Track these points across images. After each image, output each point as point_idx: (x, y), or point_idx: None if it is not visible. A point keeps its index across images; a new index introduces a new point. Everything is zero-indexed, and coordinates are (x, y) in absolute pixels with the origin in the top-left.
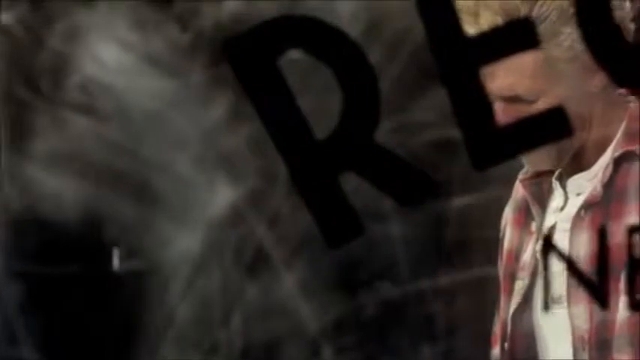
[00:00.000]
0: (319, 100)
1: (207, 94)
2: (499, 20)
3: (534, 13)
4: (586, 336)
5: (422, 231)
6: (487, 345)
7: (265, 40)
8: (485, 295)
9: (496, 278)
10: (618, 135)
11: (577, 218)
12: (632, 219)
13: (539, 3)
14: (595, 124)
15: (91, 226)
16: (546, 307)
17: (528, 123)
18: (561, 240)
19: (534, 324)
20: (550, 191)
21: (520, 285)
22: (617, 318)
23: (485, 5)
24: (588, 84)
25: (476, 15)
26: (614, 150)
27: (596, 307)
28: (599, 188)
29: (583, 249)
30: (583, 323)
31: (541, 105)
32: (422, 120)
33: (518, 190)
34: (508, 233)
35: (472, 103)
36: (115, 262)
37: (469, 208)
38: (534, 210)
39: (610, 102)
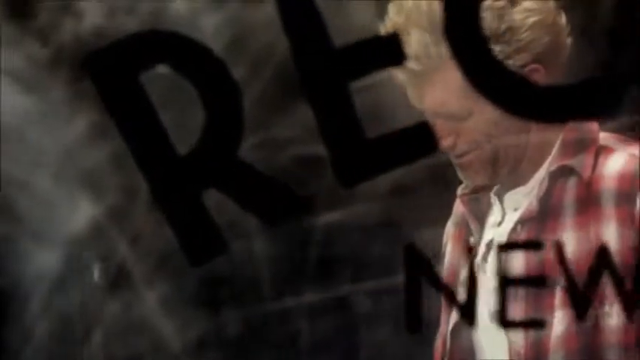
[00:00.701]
0: (182, 116)
1: (68, 109)
2: (427, 38)
3: None
4: (522, 351)
5: (286, 248)
6: None
7: (127, 55)
8: (350, 313)
9: (361, 296)
10: (554, 150)
11: (513, 233)
12: (567, 234)
13: None
14: (531, 139)
15: None
16: (481, 323)
17: (394, 139)
18: (498, 255)
19: (473, 339)
20: (489, 206)
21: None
22: (551, 333)
23: (414, 23)
24: None
25: (405, 32)
26: (550, 165)
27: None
28: (534, 203)
29: (518, 264)
30: (519, 339)
31: (472, 123)
32: (286, 136)
33: (459, 206)
34: (449, 249)
35: (338, 119)
36: None
37: (335, 226)
38: (472, 225)
39: None
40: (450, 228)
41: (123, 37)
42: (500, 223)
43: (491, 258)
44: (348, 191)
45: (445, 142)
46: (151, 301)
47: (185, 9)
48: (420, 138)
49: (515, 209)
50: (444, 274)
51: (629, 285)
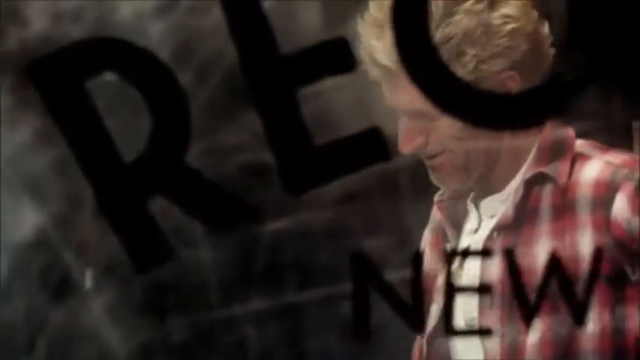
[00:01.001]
0: (128, 123)
1: (12, 116)
2: None
3: (440, 33)
4: (498, 358)
5: (233, 256)
6: None
7: (72, 62)
8: (297, 320)
9: (308, 303)
10: (530, 157)
11: (489, 240)
12: (542, 241)
13: (444, 22)
14: (507, 145)
15: None
16: (456, 330)
17: (342, 146)
18: (473, 262)
19: (450, 347)
20: (466, 213)
21: (435, 308)
22: (527, 340)
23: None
24: None
25: (381, 27)
26: (526, 171)
27: (507, 330)
28: (510, 210)
29: (494, 271)
30: (495, 345)
31: (441, 124)
32: (234, 143)
33: (436, 212)
34: (426, 256)
35: (285, 126)
36: None
37: (282, 233)
38: (449, 232)
39: None
40: (427, 234)
41: (68, 44)
42: (476, 230)
43: (468, 265)
44: (296, 199)
45: (416, 142)
46: (96, 308)
47: (131, 15)
48: (369, 144)
49: (492, 216)
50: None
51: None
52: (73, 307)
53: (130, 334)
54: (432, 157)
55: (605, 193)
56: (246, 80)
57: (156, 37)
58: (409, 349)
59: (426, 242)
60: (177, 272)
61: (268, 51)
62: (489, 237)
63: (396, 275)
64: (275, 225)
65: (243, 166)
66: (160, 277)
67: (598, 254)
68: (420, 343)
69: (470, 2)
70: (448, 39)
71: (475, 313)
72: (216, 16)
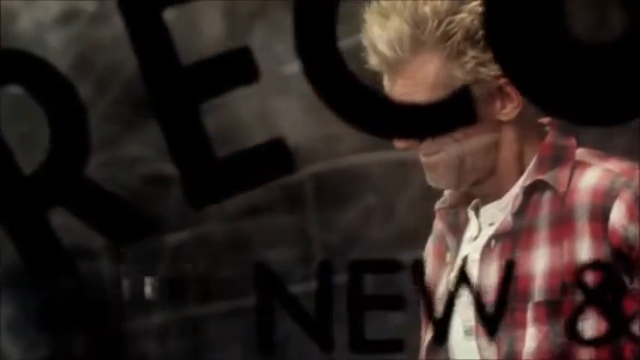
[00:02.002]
0: (28, 134)
1: None
2: (406, 28)
3: (441, 29)
4: None
5: (134, 269)
6: None
7: None
8: (199, 335)
9: (210, 317)
10: (531, 164)
11: (487, 248)
12: (541, 249)
13: (447, 19)
14: (506, 151)
15: None
16: (456, 338)
17: (246, 158)
18: (472, 271)
19: (449, 356)
20: (467, 221)
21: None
22: (523, 349)
23: (397, 11)
24: (495, 111)
25: (386, 17)
26: (525, 179)
27: (503, 339)
28: (509, 218)
29: (492, 279)
30: (491, 355)
31: None
32: (135, 154)
33: (438, 221)
34: (429, 264)
35: (188, 138)
36: None
37: (183, 245)
38: (449, 240)
39: (524, 131)
40: (429, 243)
41: None
42: (476, 238)
43: (466, 273)
44: (198, 211)
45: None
46: None
47: (31, 26)
48: (273, 156)
49: (491, 224)
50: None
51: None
52: None
53: (30, 349)
54: (427, 155)
55: (603, 201)
56: (147, 91)
57: (55, 47)
58: None
59: (429, 251)
60: (77, 285)
61: (169, 62)
62: (487, 245)
63: (300, 288)
64: (176, 237)
65: (145, 177)
66: (59, 291)
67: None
68: (421, 353)
69: (475, 3)
70: (450, 36)
71: (473, 322)
72: (116, 26)
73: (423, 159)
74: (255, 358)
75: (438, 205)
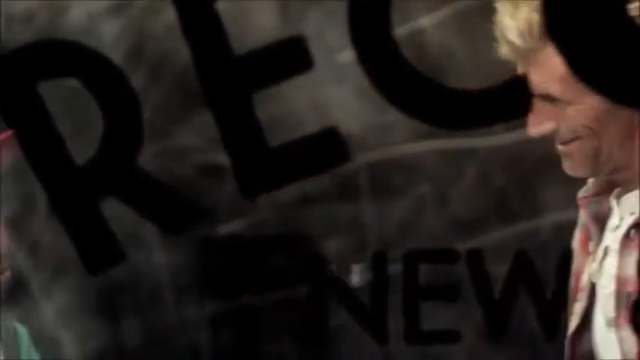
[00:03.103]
0: (81, 125)
1: None
2: (535, 17)
3: None
4: (636, 358)
5: (187, 258)
6: None
7: (23, 65)
8: (251, 324)
9: (263, 306)
10: None
11: (626, 239)
12: None
13: None
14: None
15: None
16: (598, 328)
17: (299, 147)
18: (612, 260)
19: (593, 346)
20: (610, 210)
21: (578, 307)
22: None
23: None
24: None
25: (516, 6)
26: None
27: None
28: None
29: (631, 271)
30: (632, 347)
31: (571, 111)
32: (187, 144)
33: (582, 210)
34: (575, 254)
35: (241, 128)
36: None
37: (236, 235)
38: (592, 229)
39: None
40: (577, 233)
41: (20, 47)
42: (617, 228)
43: (607, 263)
44: (251, 201)
45: (544, 126)
46: (48, 312)
47: (83, 17)
48: (327, 146)
49: (632, 213)
50: (572, 279)
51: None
52: (25, 310)
53: (84, 338)
54: (563, 143)
55: None
56: (200, 82)
57: (108, 39)
58: (366, 355)
59: (576, 240)
60: (130, 275)
61: (222, 52)
62: (626, 235)
63: (355, 277)
64: (229, 227)
65: (197, 167)
66: (113, 280)
67: None
68: (565, 342)
69: None
70: None
71: (613, 313)
72: (169, 17)
73: (559, 147)
74: (308, 349)
75: (581, 193)
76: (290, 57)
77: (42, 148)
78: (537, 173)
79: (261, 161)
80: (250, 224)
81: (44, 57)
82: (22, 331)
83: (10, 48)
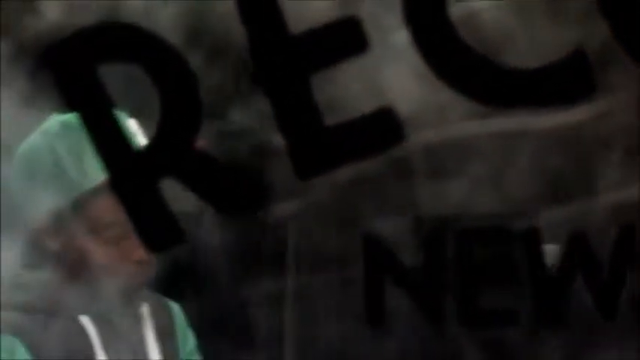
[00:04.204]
0: (139, 107)
1: (30, 102)
2: None
3: None
4: None
5: (243, 238)
6: (312, 352)
7: (84, 48)
8: (308, 302)
9: (319, 287)
10: None
11: None
12: None
13: None
14: None
15: None
16: None
17: (355, 127)
18: None
19: None
20: None
21: None
22: None
23: None
24: None
25: None
26: None
27: None
28: None
29: None
30: None
31: None
32: (243, 125)
33: None
34: None
35: (297, 108)
36: None
37: (292, 216)
38: None
39: None
40: None
41: (80, 29)
42: None
43: None
44: (307, 181)
45: None
46: (110, 290)
47: (141, 4)
48: (383, 126)
49: None
50: None
51: None
52: (88, 288)
53: None
54: None
55: None
56: (255, 62)
57: (166, 21)
58: (422, 336)
59: None
60: (188, 255)
61: (278, 33)
62: None
63: (409, 258)
64: (285, 208)
65: (253, 148)
66: (171, 260)
67: None
68: None
69: None
70: None
71: None
72: None
73: None
74: (364, 330)
75: None
76: (346, 38)
77: (102, 130)
78: (594, 153)
79: (316, 142)
80: (305, 204)
81: (103, 39)
82: (177, 308)
83: (71, 31)
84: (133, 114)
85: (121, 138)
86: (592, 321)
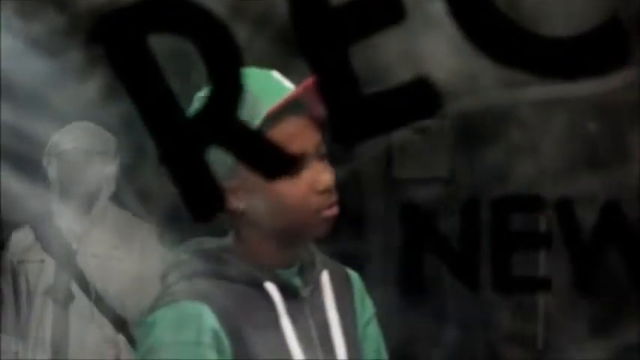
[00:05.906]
0: (185, 78)
1: (83, 72)
2: None
3: None
4: None
5: None
6: None
7: (133, 20)
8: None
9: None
10: None
11: None
12: None
13: None
14: None
15: None
16: None
17: (392, 96)
18: None
19: None
20: None
21: None
22: None
23: None
24: None
25: None
26: None
27: None
28: None
29: None
30: None
31: None
32: None
33: None
34: None
35: (336, 78)
36: None
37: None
38: None
39: None
40: None
41: (129, 3)
42: None
43: None
44: (346, 149)
45: None
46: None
47: None
48: (419, 95)
49: None
50: None
51: None
52: (141, 253)
53: None
54: None
55: None
56: (296, 33)
57: None
58: (459, 303)
59: None
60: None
61: (318, 3)
62: None
63: (446, 225)
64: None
65: None
66: (217, 227)
67: None
68: None
69: None
70: None
71: None
72: None
73: None
74: (403, 296)
75: None
76: (383, 9)
77: (151, 99)
78: (629, 122)
79: (355, 111)
80: (345, 172)
81: (152, 12)
82: (355, 276)
83: (121, 4)
84: (180, 85)
85: (169, 108)
86: (624, 289)
